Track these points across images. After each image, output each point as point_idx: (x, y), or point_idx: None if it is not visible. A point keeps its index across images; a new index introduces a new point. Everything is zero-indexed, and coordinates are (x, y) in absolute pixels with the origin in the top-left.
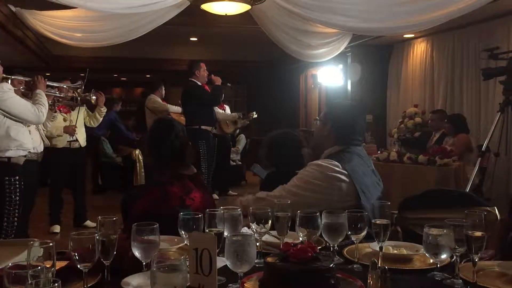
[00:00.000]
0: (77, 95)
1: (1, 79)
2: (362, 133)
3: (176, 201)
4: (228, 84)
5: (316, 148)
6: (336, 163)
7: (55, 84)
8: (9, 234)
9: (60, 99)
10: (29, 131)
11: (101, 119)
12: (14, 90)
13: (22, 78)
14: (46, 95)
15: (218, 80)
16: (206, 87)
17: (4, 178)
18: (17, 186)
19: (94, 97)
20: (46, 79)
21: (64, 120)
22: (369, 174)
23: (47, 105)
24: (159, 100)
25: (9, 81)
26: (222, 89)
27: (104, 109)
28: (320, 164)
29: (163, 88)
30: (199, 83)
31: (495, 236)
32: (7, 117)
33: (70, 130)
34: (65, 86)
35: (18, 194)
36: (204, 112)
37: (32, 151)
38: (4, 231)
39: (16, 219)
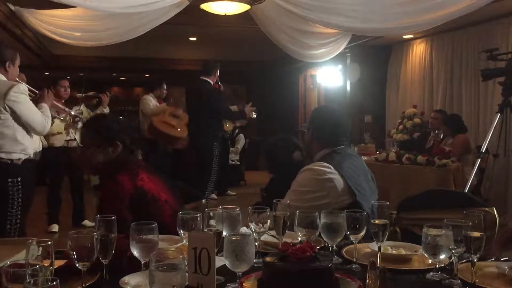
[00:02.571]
0: (72, 120)
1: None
2: (346, 133)
3: (129, 184)
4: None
5: (308, 154)
6: (327, 164)
7: (59, 105)
8: (12, 236)
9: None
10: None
11: None
12: None
13: (30, 88)
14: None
15: (249, 111)
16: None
17: (7, 179)
18: (20, 187)
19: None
20: (53, 97)
21: (61, 121)
22: (361, 173)
23: (50, 118)
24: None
25: None
26: (240, 116)
27: (107, 110)
28: (311, 168)
29: (165, 88)
30: (212, 84)
31: (499, 241)
32: (14, 119)
33: (71, 126)
34: (66, 110)
35: (20, 195)
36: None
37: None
38: (7, 233)
39: (18, 220)
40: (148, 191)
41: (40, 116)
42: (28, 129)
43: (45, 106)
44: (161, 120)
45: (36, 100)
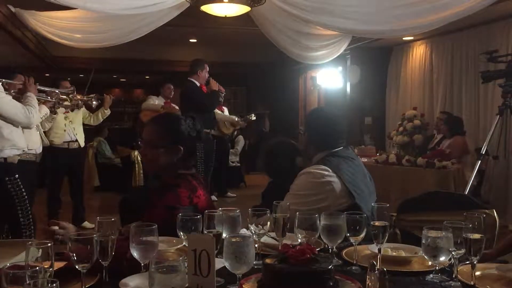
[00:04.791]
0: (69, 100)
1: None
2: (342, 135)
3: (185, 201)
4: (223, 93)
5: (306, 157)
6: (325, 167)
7: (46, 89)
8: (27, 226)
9: (60, 102)
10: (26, 130)
11: (102, 119)
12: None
13: (12, 82)
14: (45, 101)
15: (214, 85)
16: (204, 89)
17: (5, 178)
18: (19, 183)
19: (95, 102)
20: (37, 83)
21: (65, 118)
22: (360, 175)
23: (37, 107)
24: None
25: None
26: (217, 96)
27: (107, 111)
28: (309, 171)
29: (172, 88)
30: (198, 84)
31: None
32: None
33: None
34: (56, 91)
35: (23, 189)
36: (202, 114)
37: (30, 151)
38: (23, 226)
39: (30, 212)
40: (200, 210)
41: (20, 107)
42: (13, 123)
43: (30, 95)
44: (148, 114)
45: (21, 91)
